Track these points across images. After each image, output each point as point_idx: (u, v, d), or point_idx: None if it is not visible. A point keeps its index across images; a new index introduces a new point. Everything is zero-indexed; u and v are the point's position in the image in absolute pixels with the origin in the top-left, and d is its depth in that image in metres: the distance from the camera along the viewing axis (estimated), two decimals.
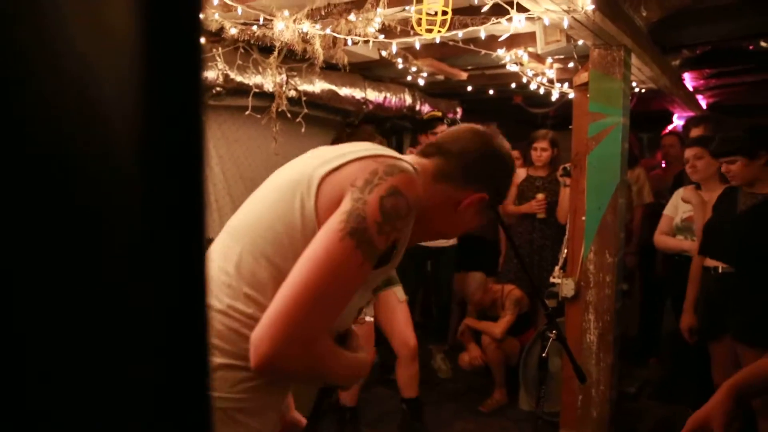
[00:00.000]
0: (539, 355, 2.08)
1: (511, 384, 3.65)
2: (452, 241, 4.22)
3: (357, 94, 4.06)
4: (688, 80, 4.50)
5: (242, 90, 3.35)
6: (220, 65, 3.15)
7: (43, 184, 0.25)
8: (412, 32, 2.67)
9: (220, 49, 3.11)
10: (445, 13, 2.31)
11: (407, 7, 2.58)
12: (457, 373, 4.08)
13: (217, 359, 0.97)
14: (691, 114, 4.92)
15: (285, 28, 2.64)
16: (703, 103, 5.18)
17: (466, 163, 1.15)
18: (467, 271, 3.98)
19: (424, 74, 3.89)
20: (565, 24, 2.35)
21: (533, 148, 4.09)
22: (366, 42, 2.77)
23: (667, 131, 5.10)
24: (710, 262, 2.82)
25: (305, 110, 3.57)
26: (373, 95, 4.19)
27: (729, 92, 4.96)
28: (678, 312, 3.10)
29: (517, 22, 2.40)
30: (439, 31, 2.36)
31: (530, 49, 3.32)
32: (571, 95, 3.45)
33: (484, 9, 2.39)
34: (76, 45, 0.26)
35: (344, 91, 3.94)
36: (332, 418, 3.10)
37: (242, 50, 3.20)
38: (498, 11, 2.43)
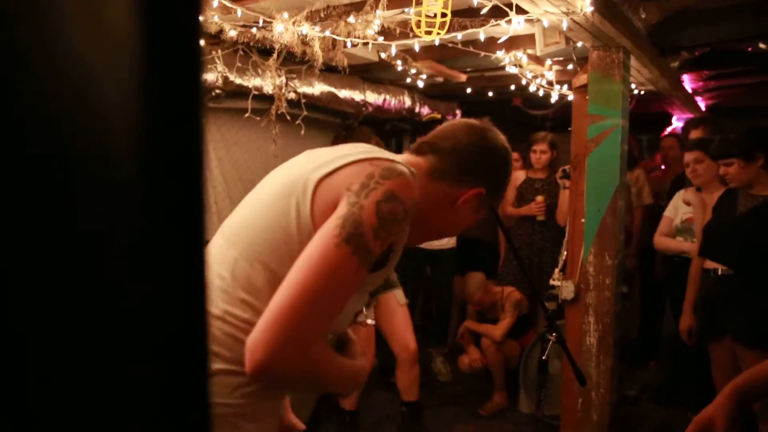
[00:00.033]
0: (539, 357, 2.08)
1: (511, 387, 3.65)
2: (452, 244, 4.22)
3: (356, 96, 4.06)
4: (687, 82, 4.50)
5: (242, 92, 3.35)
6: (220, 67, 3.15)
7: (43, 184, 0.25)
8: (411, 34, 2.68)
9: (219, 51, 3.11)
10: (444, 15, 2.31)
11: (406, 9, 2.58)
12: (457, 376, 4.07)
13: (215, 365, 0.96)
14: (691, 116, 4.92)
15: (284, 31, 2.64)
16: (702, 105, 5.19)
17: (460, 159, 1.14)
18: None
19: (424, 76, 3.89)
20: (564, 26, 2.35)
21: (532, 151, 4.09)
22: (365, 44, 2.77)
23: (666, 133, 5.11)
24: (710, 264, 2.82)
25: (305, 112, 3.57)
26: (373, 97, 4.20)
27: (728, 94, 4.96)
28: (677, 314, 3.10)
29: (516, 24, 2.40)
30: (438, 33, 2.36)
31: (529, 51, 3.32)
32: (571, 97, 3.45)
33: (483, 11, 2.39)
34: (76, 47, 0.26)
35: (344, 93, 3.94)
36: (332, 422, 3.09)
37: (242, 52, 3.20)
38: (497, 13, 2.43)
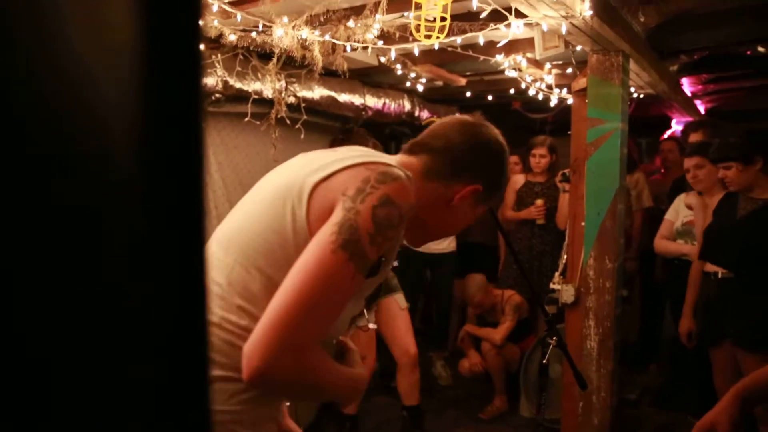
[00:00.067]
0: (540, 361, 2.07)
1: (512, 391, 3.64)
2: (452, 248, 4.22)
3: (356, 100, 4.06)
4: (686, 85, 4.51)
5: (241, 96, 3.35)
6: (220, 72, 3.15)
7: (43, 185, 0.25)
8: (410, 38, 2.68)
9: (219, 55, 3.11)
10: (443, 19, 2.31)
11: (406, 14, 2.59)
12: (457, 379, 4.07)
13: (213, 371, 0.95)
14: (690, 119, 4.93)
15: (284, 35, 2.64)
16: (702, 108, 5.20)
17: (453, 157, 1.13)
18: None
19: (423, 80, 3.89)
20: (564, 30, 2.36)
21: (532, 155, 4.09)
22: (365, 48, 2.77)
23: (665, 136, 5.11)
24: (710, 267, 2.82)
25: (304, 116, 3.58)
26: (372, 101, 4.20)
27: (727, 97, 4.97)
28: (677, 317, 3.10)
29: (516, 28, 2.41)
30: (437, 37, 2.36)
31: (529, 55, 3.32)
32: (570, 101, 3.46)
33: (483, 15, 2.39)
34: (77, 51, 0.26)
35: (343, 98, 3.95)
36: (332, 427, 3.08)
37: (241, 57, 3.21)
38: (496, 17, 2.43)
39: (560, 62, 3.41)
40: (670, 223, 3.41)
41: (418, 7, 2.32)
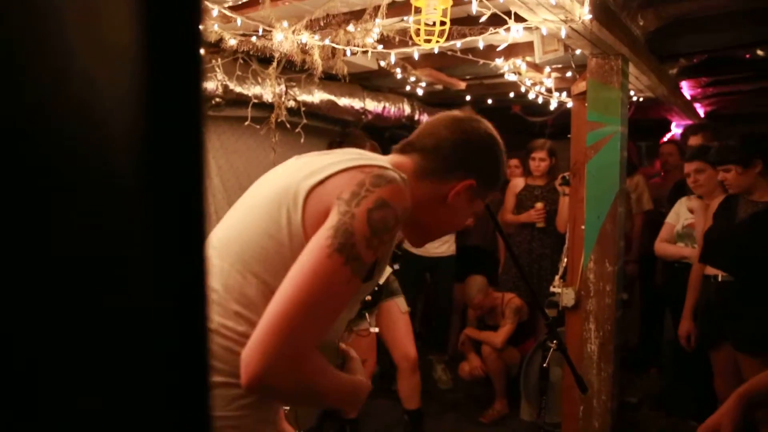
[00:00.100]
0: (540, 365, 2.07)
1: (512, 394, 3.64)
2: (451, 251, 4.22)
3: (356, 104, 4.07)
4: (686, 89, 4.51)
5: (241, 101, 3.36)
6: (220, 76, 3.16)
7: (44, 195, 0.25)
8: (410, 42, 2.69)
9: (219, 59, 3.12)
10: (443, 23, 2.32)
11: (405, 18, 2.60)
12: (458, 383, 4.06)
13: (212, 378, 0.95)
14: (689, 122, 4.93)
15: (284, 39, 2.65)
16: (701, 112, 5.20)
17: (444, 155, 1.12)
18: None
19: (423, 84, 3.90)
20: (563, 34, 2.36)
21: (531, 158, 4.10)
22: (365, 52, 2.78)
23: (665, 140, 5.12)
24: (710, 270, 2.81)
25: (304, 120, 3.58)
26: (372, 105, 4.21)
27: (726, 101, 4.98)
28: (678, 320, 3.09)
29: (515, 32, 2.41)
30: (437, 41, 2.37)
31: (528, 59, 3.33)
32: (570, 104, 3.46)
33: (482, 19, 2.40)
34: (77, 55, 0.26)
35: (343, 101, 3.95)
36: (332, 431, 3.08)
37: (241, 61, 3.21)
38: (496, 21, 2.44)
39: (560, 66, 3.42)
40: (671, 227, 3.42)
41: (418, 11, 2.33)
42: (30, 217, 0.25)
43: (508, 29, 2.42)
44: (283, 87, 3.45)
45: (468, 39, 2.63)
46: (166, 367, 0.30)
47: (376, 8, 2.47)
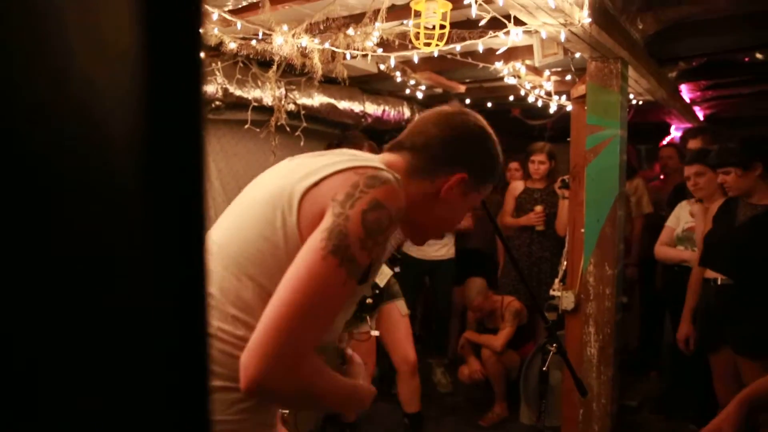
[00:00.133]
0: (539, 368, 2.07)
1: (512, 397, 3.63)
2: (450, 254, 4.22)
3: (356, 107, 4.07)
4: (685, 92, 4.52)
5: (241, 104, 3.36)
6: (220, 79, 3.16)
7: (43, 197, 0.25)
8: (410, 46, 2.69)
9: (219, 63, 3.12)
10: (443, 26, 2.32)
11: (405, 21, 2.60)
12: (457, 386, 4.05)
13: (211, 382, 0.95)
14: (689, 125, 4.94)
15: (284, 43, 2.65)
16: (700, 115, 5.21)
17: (433, 152, 1.12)
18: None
19: (423, 87, 3.91)
20: (562, 37, 2.37)
21: (531, 161, 4.10)
22: (364, 56, 2.78)
23: (664, 143, 5.12)
24: (710, 274, 2.81)
25: (304, 124, 3.59)
26: (372, 108, 4.21)
27: (726, 104, 4.98)
28: (677, 323, 3.09)
29: (515, 36, 2.42)
30: (437, 45, 2.37)
31: (528, 62, 3.34)
32: (569, 108, 3.47)
33: (482, 23, 2.40)
34: (77, 59, 0.26)
35: (343, 105, 3.96)
36: None
37: (241, 64, 3.22)
38: (495, 25, 2.44)
39: (559, 69, 3.42)
40: (671, 230, 3.42)
41: (418, 15, 2.33)
42: (30, 217, 0.25)
43: (507, 33, 2.42)
44: (282, 90, 3.45)
45: (467, 42, 2.63)
46: (165, 368, 0.30)
47: (376, 12, 2.47)
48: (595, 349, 2.79)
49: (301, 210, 0.97)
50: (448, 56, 3.02)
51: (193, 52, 0.31)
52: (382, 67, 3.43)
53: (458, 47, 2.67)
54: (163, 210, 0.30)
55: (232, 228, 1.04)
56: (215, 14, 2.56)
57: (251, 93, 3.34)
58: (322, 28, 2.72)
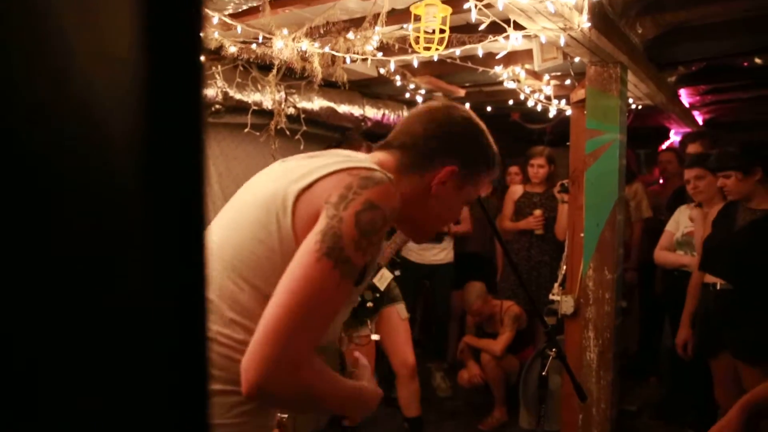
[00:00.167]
0: (539, 372, 2.06)
1: (511, 402, 3.62)
2: (449, 258, 4.22)
3: (355, 111, 4.08)
4: (684, 96, 4.53)
5: (241, 107, 3.36)
6: (220, 83, 3.16)
7: (43, 197, 0.25)
8: (410, 50, 2.69)
9: (219, 66, 3.13)
10: (442, 31, 2.33)
11: (405, 26, 2.61)
12: (457, 391, 4.05)
13: (212, 386, 0.95)
14: (688, 130, 4.94)
15: (284, 47, 2.66)
16: (700, 119, 5.22)
17: (421, 148, 1.12)
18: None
19: (422, 91, 3.91)
20: (562, 42, 2.37)
21: (530, 165, 4.10)
22: (364, 60, 2.78)
23: (664, 147, 5.13)
24: (709, 279, 2.81)
25: (304, 127, 3.59)
26: (372, 112, 4.22)
27: (725, 108, 4.99)
28: (677, 328, 3.09)
29: (514, 40, 2.42)
30: (437, 49, 2.38)
31: (527, 66, 3.34)
32: (569, 112, 3.47)
33: (482, 27, 2.41)
34: (78, 61, 0.26)
35: (343, 108, 3.96)
36: None
37: (241, 68, 3.22)
38: (495, 29, 2.45)
39: (559, 73, 3.43)
40: (671, 235, 3.42)
41: (417, 19, 2.34)
42: (30, 218, 0.25)
43: (507, 37, 2.42)
44: (282, 94, 3.46)
45: (467, 47, 2.64)
46: (165, 368, 0.30)
47: (376, 16, 2.48)
48: (595, 354, 2.79)
49: (295, 212, 0.97)
50: (448, 60, 3.03)
51: (193, 54, 0.31)
52: (382, 71, 3.43)
53: (458, 51, 2.68)
54: (163, 211, 0.30)
55: (225, 232, 1.04)
56: (216, 18, 2.57)
57: (251, 96, 3.34)
58: (322, 32, 2.73)
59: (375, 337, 2.65)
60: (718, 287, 2.74)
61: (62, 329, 0.26)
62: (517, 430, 3.52)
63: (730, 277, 2.69)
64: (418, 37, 2.35)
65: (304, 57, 2.81)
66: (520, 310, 3.74)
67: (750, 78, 3.93)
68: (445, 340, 4.51)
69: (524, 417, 3.54)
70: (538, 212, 3.96)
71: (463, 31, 2.65)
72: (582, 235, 2.84)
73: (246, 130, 3.36)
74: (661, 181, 4.80)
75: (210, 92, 3.17)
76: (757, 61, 3.45)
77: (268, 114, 3.42)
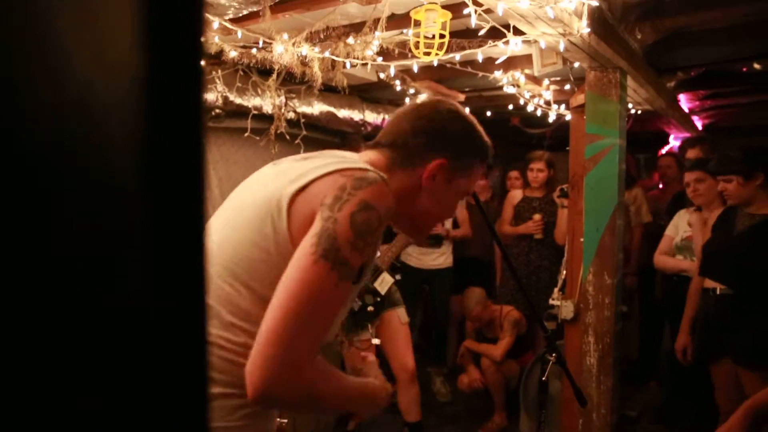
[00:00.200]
0: (539, 377, 2.06)
1: (511, 407, 3.62)
2: (448, 263, 4.22)
3: (355, 115, 4.08)
4: (684, 101, 4.53)
5: (241, 112, 3.37)
6: (220, 87, 3.17)
7: (43, 197, 0.25)
8: (410, 55, 2.70)
9: (219, 71, 3.13)
10: (442, 36, 2.33)
11: (405, 31, 2.61)
12: (457, 396, 4.04)
13: (214, 389, 0.95)
14: (687, 135, 4.95)
15: (284, 51, 2.66)
16: (699, 124, 5.22)
17: (409, 144, 1.13)
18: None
19: (422, 96, 3.91)
20: (561, 47, 2.38)
21: (529, 169, 4.10)
22: (364, 64, 2.79)
23: (663, 152, 5.13)
24: (709, 283, 2.81)
25: (304, 132, 3.59)
26: (372, 117, 4.22)
27: (724, 113, 5.00)
28: (676, 333, 3.08)
29: (514, 45, 2.43)
30: (436, 54, 2.38)
31: (527, 71, 3.35)
32: (568, 117, 3.47)
33: (481, 32, 2.41)
34: (78, 67, 0.27)
35: (343, 113, 3.96)
36: None
37: (241, 73, 3.22)
38: (495, 34, 2.45)
39: (558, 78, 3.43)
40: (670, 239, 3.41)
41: (417, 24, 2.34)
42: (30, 218, 0.25)
43: (506, 42, 2.43)
44: (282, 98, 3.46)
45: (467, 52, 2.64)
46: (165, 369, 0.30)
47: (376, 21, 2.49)
48: (595, 359, 2.78)
49: (290, 215, 0.97)
50: (448, 65, 3.03)
51: (194, 61, 0.31)
52: (382, 75, 3.44)
53: (458, 56, 2.68)
54: (164, 211, 0.30)
55: (220, 236, 1.04)
56: (216, 23, 2.57)
57: (251, 101, 3.35)
58: (322, 36, 2.73)
59: (375, 341, 2.64)
60: (718, 292, 2.74)
61: (62, 329, 0.26)
62: None
63: (729, 281, 2.69)
64: (418, 42, 2.36)
65: (304, 62, 2.82)
66: (519, 315, 3.74)
67: (749, 83, 3.94)
68: (444, 344, 4.51)
69: (524, 422, 3.53)
70: (537, 217, 3.96)
71: (463, 36, 2.66)
72: (582, 239, 2.84)
73: (246, 134, 3.36)
74: (660, 185, 4.80)
75: (210, 97, 3.17)
76: (757, 66, 3.46)
77: (268, 118, 3.42)
